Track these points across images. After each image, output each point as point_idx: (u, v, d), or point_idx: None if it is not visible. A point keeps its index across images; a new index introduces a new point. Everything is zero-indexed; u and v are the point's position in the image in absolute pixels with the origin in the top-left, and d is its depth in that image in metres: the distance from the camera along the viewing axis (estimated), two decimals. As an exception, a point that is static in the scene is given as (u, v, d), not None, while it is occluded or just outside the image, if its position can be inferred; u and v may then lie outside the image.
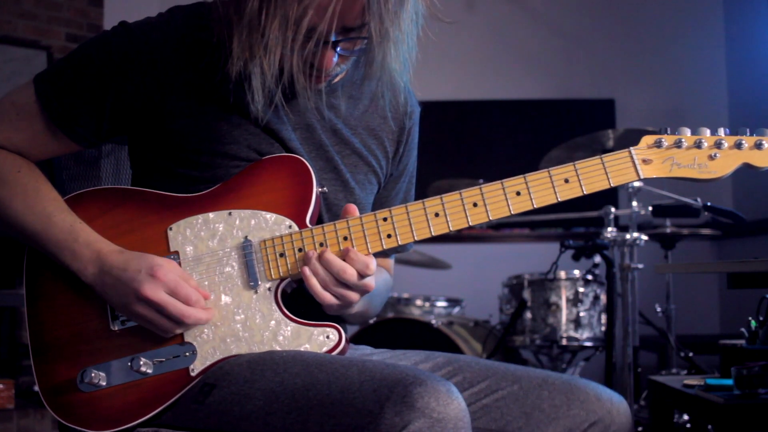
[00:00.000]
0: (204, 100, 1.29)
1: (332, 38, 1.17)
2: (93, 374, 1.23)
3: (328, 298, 1.21)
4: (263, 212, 1.27)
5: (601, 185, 1.24)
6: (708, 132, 1.26)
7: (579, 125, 4.70)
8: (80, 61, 1.30)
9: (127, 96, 1.28)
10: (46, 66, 4.79)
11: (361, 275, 1.21)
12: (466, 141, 5.26)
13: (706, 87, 5.07)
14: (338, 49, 1.20)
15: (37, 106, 1.29)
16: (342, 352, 1.23)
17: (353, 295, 1.22)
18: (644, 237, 3.15)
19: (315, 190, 1.28)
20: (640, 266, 3.18)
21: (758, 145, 1.25)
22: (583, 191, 1.24)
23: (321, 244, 1.25)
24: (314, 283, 1.21)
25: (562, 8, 5.26)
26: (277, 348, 1.23)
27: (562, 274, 3.38)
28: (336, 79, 1.38)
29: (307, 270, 1.21)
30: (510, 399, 1.24)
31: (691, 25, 5.15)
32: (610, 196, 4.64)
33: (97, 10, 4.92)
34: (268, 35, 1.14)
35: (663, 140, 1.26)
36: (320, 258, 1.21)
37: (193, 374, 1.23)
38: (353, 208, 1.26)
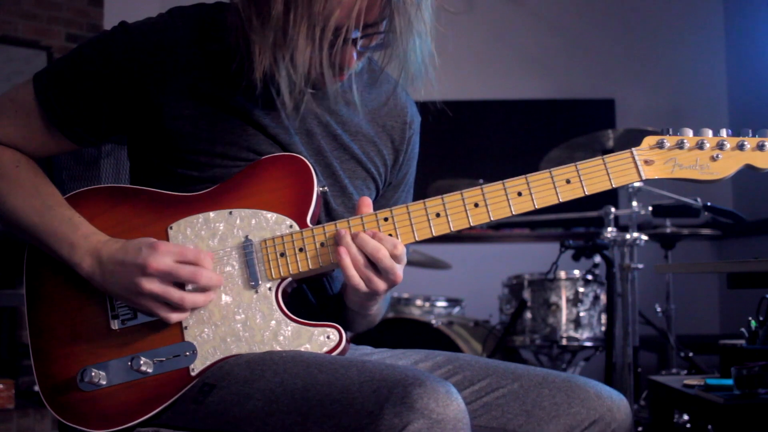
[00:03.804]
0: (204, 101, 1.29)
1: (354, 35, 1.17)
2: (93, 373, 1.23)
3: (356, 279, 1.21)
4: (264, 212, 1.27)
5: (602, 186, 1.25)
6: (710, 133, 1.26)
7: (579, 125, 4.70)
8: (79, 60, 1.30)
9: (125, 96, 1.28)
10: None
11: (391, 255, 1.21)
12: (466, 141, 5.26)
13: (706, 87, 5.07)
14: (358, 46, 1.20)
15: (36, 105, 1.29)
16: (342, 352, 1.22)
17: (381, 284, 1.22)
18: (644, 237, 3.15)
19: (316, 189, 1.28)
20: (640, 266, 3.18)
21: (761, 147, 1.25)
22: (584, 192, 1.24)
23: (322, 244, 1.25)
24: (347, 263, 1.20)
25: (562, 8, 5.26)
26: (278, 348, 1.23)
27: (562, 274, 3.38)
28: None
29: (341, 249, 1.20)
30: (510, 397, 1.24)
31: (691, 25, 5.15)
32: (610, 196, 4.63)
33: (97, 10, 4.92)
34: (296, 37, 1.15)
35: (665, 141, 1.26)
36: (354, 237, 1.21)
37: (193, 374, 1.23)
38: (368, 201, 1.26)
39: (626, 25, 5.22)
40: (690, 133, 1.26)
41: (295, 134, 1.33)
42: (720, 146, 1.25)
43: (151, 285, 1.19)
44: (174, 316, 1.22)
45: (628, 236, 3.13)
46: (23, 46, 4.60)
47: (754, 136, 1.26)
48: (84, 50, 1.30)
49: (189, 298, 1.21)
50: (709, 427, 2.18)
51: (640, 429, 3.12)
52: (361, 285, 1.21)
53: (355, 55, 1.22)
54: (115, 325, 1.26)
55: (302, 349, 1.22)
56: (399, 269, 1.23)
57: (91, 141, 1.33)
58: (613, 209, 3.18)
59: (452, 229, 1.25)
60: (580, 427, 1.20)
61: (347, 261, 1.20)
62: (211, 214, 1.28)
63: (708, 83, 5.08)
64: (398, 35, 1.19)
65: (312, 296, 1.37)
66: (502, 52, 5.22)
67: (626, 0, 5.26)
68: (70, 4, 4.80)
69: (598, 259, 3.32)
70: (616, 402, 1.23)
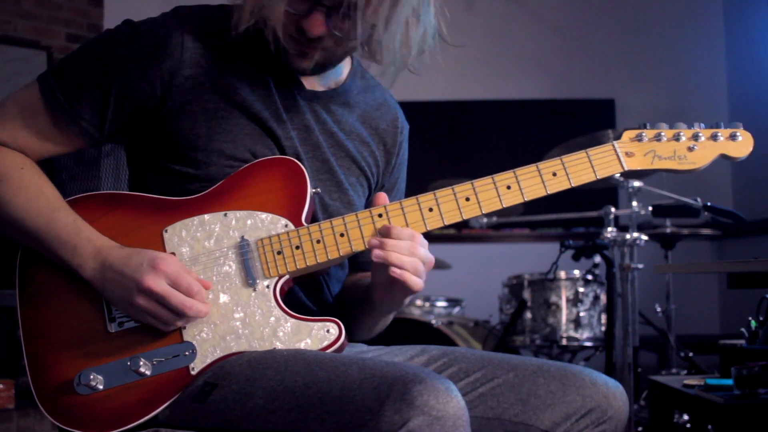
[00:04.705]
0: (205, 97, 1.30)
1: (326, 3, 1.20)
2: (91, 377, 1.22)
3: (411, 276, 1.23)
4: (259, 212, 1.28)
5: (587, 177, 1.30)
6: (685, 126, 1.33)
7: (579, 125, 4.70)
8: (84, 56, 1.31)
9: (130, 90, 1.28)
10: (46, 66, 4.77)
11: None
12: (466, 141, 5.26)
13: (706, 87, 5.07)
14: (329, 21, 1.22)
15: (42, 103, 1.30)
16: (342, 346, 1.23)
17: (422, 267, 1.24)
18: (644, 237, 3.15)
19: (309, 190, 1.29)
20: (640, 266, 3.18)
21: (733, 137, 1.32)
22: (570, 183, 1.29)
23: (318, 241, 1.26)
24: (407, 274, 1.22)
25: (562, 8, 5.26)
26: (278, 344, 1.23)
27: (562, 274, 3.38)
28: (336, 85, 1.41)
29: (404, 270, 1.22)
30: (506, 387, 1.24)
31: (691, 25, 5.15)
32: (610, 196, 4.64)
33: (97, 10, 4.92)
34: None
35: (643, 134, 1.33)
36: (388, 233, 1.23)
37: (193, 373, 1.23)
38: (383, 197, 1.29)
39: (626, 25, 5.22)
40: (666, 126, 1.33)
41: (292, 129, 1.35)
42: (695, 138, 1.32)
43: (144, 302, 1.20)
44: (169, 328, 1.23)
45: (628, 236, 3.13)
46: (23, 46, 4.60)
47: (726, 128, 1.33)
48: (89, 47, 1.32)
49: (178, 321, 1.22)
50: (709, 427, 2.18)
51: (640, 429, 3.12)
52: (414, 279, 1.23)
53: (323, 26, 1.23)
54: (112, 327, 1.26)
55: (302, 345, 1.22)
56: (428, 252, 1.26)
57: (97, 136, 1.33)
58: (613, 209, 3.18)
59: (445, 223, 1.28)
60: (577, 415, 1.21)
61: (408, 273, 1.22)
62: (206, 216, 1.28)
63: (708, 83, 5.08)
64: (366, 19, 1.21)
65: (310, 298, 1.37)
66: (502, 52, 5.21)
67: (626, 0, 5.26)
68: (70, 4, 4.81)
69: (598, 259, 3.32)
70: (612, 389, 1.23)
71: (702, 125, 1.33)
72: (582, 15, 5.25)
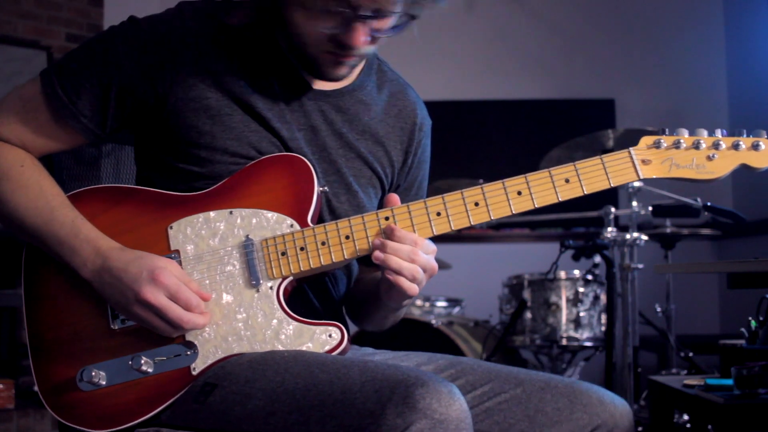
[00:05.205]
0: (208, 94, 1.29)
1: (366, 13, 1.18)
2: (93, 373, 1.23)
3: (414, 289, 1.23)
4: (264, 211, 1.27)
5: (601, 185, 1.26)
6: (706, 133, 1.28)
7: (579, 125, 4.69)
8: (86, 53, 1.30)
9: (131, 86, 1.28)
10: (46, 66, 4.76)
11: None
12: (466, 141, 5.25)
13: (706, 87, 5.07)
14: (367, 28, 1.21)
15: (43, 99, 1.29)
16: (344, 351, 1.23)
17: (420, 275, 1.23)
18: (644, 237, 3.15)
19: (316, 189, 1.28)
20: (640, 266, 3.18)
21: (755, 146, 1.27)
22: (583, 191, 1.26)
23: (323, 243, 1.25)
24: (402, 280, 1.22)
25: (562, 8, 5.26)
26: (280, 347, 1.23)
27: (562, 274, 3.38)
28: (348, 82, 1.39)
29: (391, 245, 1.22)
30: (513, 402, 1.23)
31: (691, 25, 5.14)
32: (610, 196, 4.63)
33: (97, 10, 4.92)
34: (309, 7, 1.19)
35: (662, 141, 1.27)
36: (392, 235, 1.23)
37: (194, 373, 1.23)
38: (395, 198, 1.28)
39: (626, 25, 5.22)
40: (686, 133, 1.28)
41: (297, 130, 1.34)
42: (716, 146, 1.27)
43: (142, 312, 1.20)
44: (165, 335, 1.23)
45: (628, 236, 3.13)
46: (23, 46, 4.60)
47: (748, 136, 1.28)
48: (91, 43, 1.31)
49: (174, 333, 1.23)
50: (709, 427, 2.18)
51: (640, 429, 3.12)
52: (411, 285, 1.22)
53: (364, 35, 1.21)
54: (115, 324, 1.26)
55: (304, 348, 1.22)
56: (431, 260, 1.25)
57: (98, 133, 1.32)
58: (613, 209, 3.18)
59: (453, 228, 1.26)
60: None
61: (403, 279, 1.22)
62: (212, 213, 1.28)
63: (708, 83, 5.07)
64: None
65: (315, 299, 1.37)
66: (502, 52, 5.21)
67: (626, 0, 5.26)
68: (70, 4, 4.80)
69: (598, 259, 3.32)
70: (619, 408, 1.23)
71: (724, 132, 1.28)
72: (582, 15, 5.25)
